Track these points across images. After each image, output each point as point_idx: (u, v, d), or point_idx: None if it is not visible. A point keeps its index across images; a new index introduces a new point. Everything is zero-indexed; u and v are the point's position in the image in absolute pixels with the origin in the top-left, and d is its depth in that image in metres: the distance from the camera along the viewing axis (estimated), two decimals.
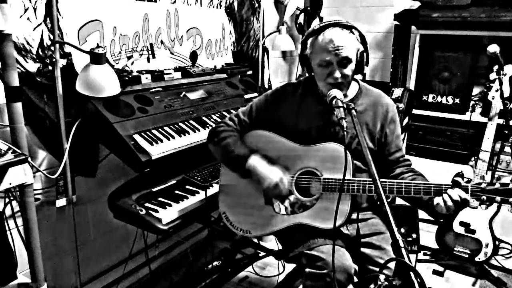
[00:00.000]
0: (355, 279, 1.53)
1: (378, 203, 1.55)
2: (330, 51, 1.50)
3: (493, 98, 2.40)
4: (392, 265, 0.99)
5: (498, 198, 1.37)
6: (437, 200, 1.43)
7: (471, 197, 1.38)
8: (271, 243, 2.08)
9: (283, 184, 1.55)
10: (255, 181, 1.58)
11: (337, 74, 1.51)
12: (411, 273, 0.92)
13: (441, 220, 2.61)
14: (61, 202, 1.84)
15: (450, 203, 1.38)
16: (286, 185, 1.56)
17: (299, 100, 1.68)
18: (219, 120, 2.07)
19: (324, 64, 1.53)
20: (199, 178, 1.92)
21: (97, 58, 1.60)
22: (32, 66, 1.70)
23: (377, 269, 1.52)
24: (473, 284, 2.53)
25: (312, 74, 1.62)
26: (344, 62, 1.51)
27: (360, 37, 1.56)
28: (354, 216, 1.61)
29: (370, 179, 1.45)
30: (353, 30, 1.54)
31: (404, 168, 1.66)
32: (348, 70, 1.53)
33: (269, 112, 1.70)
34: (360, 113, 1.62)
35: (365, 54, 1.56)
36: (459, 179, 1.40)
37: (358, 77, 1.71)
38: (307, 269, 1.51)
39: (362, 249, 1.60)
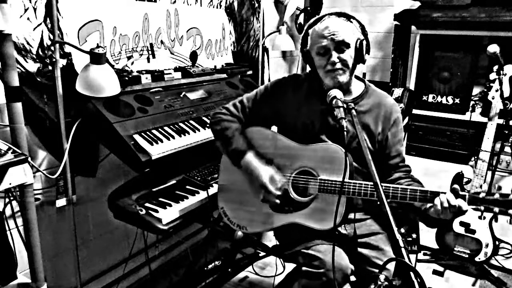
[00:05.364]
0: (353, 278, 1.53)
1: (378, 203, 1.55)
2: (326, 36, 1.51)
3: (493, 98, 2.40)
4: (390, 265, 0.99)
5: (496, 209, 1.30)
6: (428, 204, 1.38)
7: (469, 205, 1.31)
8: (271, 243, 2.08)
9: (275, 184, 1.55)
10: (251, 178, 1.59)
11: (334, 58, 1.51)
12: (411, 273, 0.92)
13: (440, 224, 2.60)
14: (61, 202, 1.84)
15: (439, 207, 1.32)
16: (279, 185, 1.56)
17: (304, 93, 1.67)
18: None
19: (322, 51, 1.53)
20: (199, 178, 1.92)
21: (97, 58, 1.60)
22: (32, 66, 1.70)
23: (375, 270, 1.51)
24: (473, 284, 2.53)
25: (315, 70, 1.61)
26: (341, 47, 1.51)
27: (359, 26, 1.56)
28: (352, 216, 1.61)
29: (367, 182, 1.45)
30: (351, 19, 1.55)
31: (402, 174, 1.63)
32: (347, 55, 1.52)
33: (273, 100, 1.69)
34: (363, 113, 1.61)
35: (364, 42, 1.55)
36: (457, 186, 1.33)
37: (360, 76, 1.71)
38: (303, 268, 1.51)
39: (360, 250, 1.59)
